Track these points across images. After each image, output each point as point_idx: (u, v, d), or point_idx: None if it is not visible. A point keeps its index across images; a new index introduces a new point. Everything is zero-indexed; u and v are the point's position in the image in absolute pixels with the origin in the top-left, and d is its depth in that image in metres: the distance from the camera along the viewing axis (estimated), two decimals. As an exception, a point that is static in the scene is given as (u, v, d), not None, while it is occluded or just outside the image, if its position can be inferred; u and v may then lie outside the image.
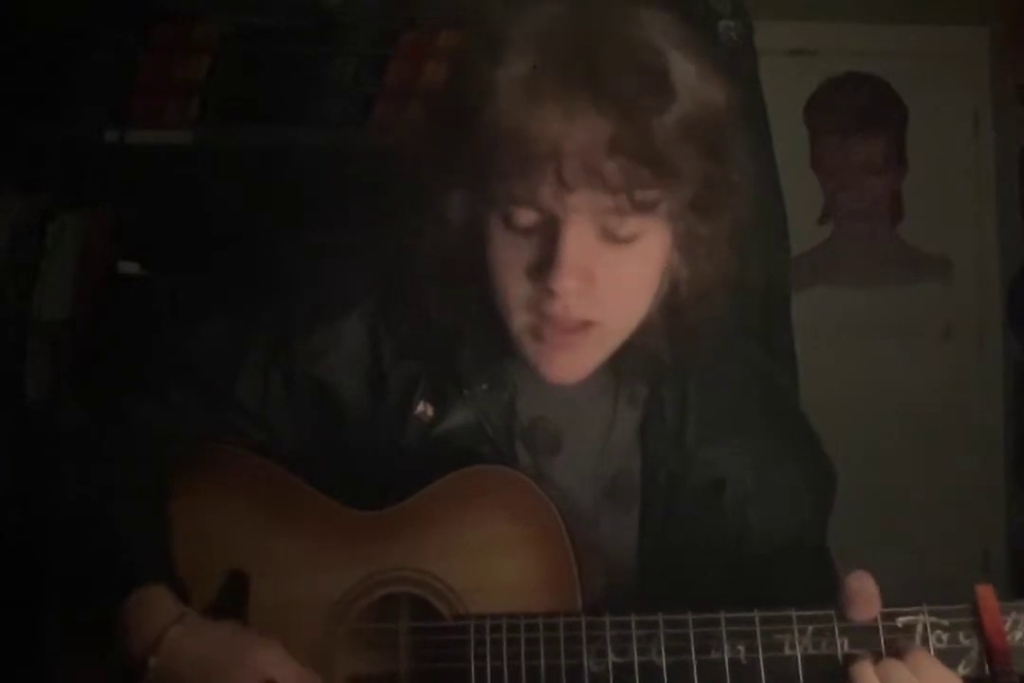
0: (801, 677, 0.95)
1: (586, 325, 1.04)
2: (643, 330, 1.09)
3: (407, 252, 1.11)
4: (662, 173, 0.98)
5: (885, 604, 0.96)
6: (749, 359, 1.24)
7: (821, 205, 3.26)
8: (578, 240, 1.00)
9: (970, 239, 3.26)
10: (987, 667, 0.93)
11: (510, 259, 1.03)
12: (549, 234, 1.00)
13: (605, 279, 1.02)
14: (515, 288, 1.03)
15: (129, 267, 2.32)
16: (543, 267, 1.01)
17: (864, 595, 0.95)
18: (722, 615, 0.96)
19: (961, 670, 0.93)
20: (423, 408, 1.13)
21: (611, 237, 1.01)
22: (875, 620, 0.95)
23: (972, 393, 3.20)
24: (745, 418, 1.16)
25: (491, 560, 1.04)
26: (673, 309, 1.09)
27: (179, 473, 1.12)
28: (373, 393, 1.15)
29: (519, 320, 1.05)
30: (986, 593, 0.94)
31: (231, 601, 1.07)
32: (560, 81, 0.97)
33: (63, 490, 1.12)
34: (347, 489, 1.10)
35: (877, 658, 0.93)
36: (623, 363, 1.12)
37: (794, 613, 0.96)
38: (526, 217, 1.01)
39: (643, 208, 0.99)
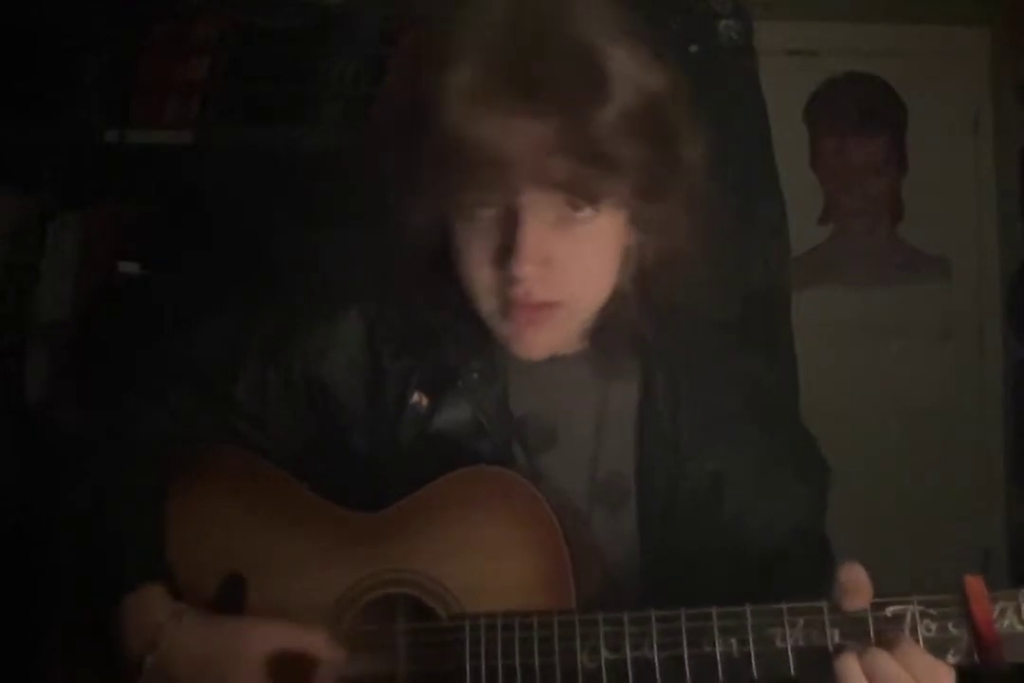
0: (792, 669, 0.95)
1: (550, 305, 1.07)
2: (616, 301, 1.13)
3: (394, 249, 1.14)
4: (606, 168, 1.02)
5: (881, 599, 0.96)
6: (739, 359, 1.25)
7: (821, 205, 3.25)
8: (535, 228, 1.04)
9: (970, 239, 3.25)
10: (976, 656, 0.93)
11: (474, 249, 1.07)
12: (508, 224, 1.04)
13: (563, 261, 1.06)
14: (481, 276, 1.07)
15: (129, 267, 2.33)
16: (504, 255, 1.04)
17: (856, 585, 0.95)
18: (714, 610, 0.97)
19: (950, 659, 0.93)
20: (418, 398, 1.14)
21: (567, 221, 1.05)
22: (864, 610, 0.95)
23: (972, 393, 3.20)
24: (738, 418, 1.17)
25: (487, 561, 1.04)
26: (643, 275, 1.13)
27: (177, 474, 1.12)
28: (371, 391, 1.15)
29: (488, 304, 1.09)
30: (974, 582, 0.94)
31: (229, 603, 1.07)
32: (499, 88, 1.00)
33: (63, 490, 1.12)
34: (345, 490, 1.10)
35: (864, 649, 0.93)
36: (604, 336, 1.16)
37: (785, 606, 0.96)
38: (485, 212, 1.06)
39: (592, 200, 1.04)
